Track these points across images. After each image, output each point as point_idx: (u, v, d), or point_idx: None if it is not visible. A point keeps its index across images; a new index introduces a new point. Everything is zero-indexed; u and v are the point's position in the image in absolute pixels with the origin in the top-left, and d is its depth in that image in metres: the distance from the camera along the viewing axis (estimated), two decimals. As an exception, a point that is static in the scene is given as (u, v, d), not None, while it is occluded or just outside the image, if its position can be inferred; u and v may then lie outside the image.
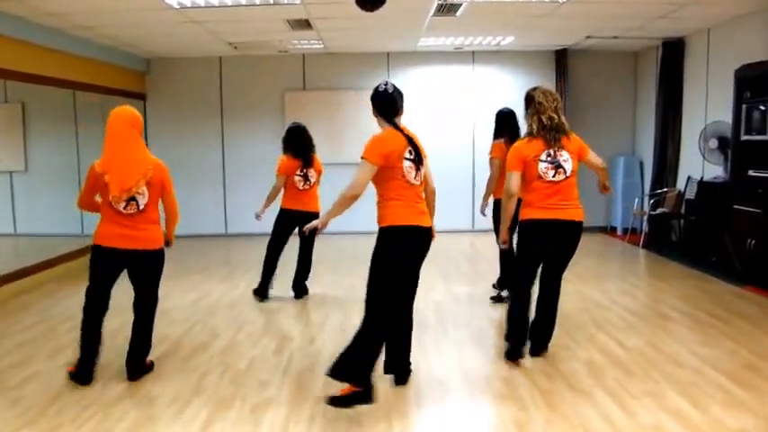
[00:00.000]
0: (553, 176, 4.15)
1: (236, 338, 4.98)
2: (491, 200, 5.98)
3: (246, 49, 9.47)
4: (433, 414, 3.68)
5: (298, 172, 6.02)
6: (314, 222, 4.03)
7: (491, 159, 5.87)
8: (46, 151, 7.72)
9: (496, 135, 5.90)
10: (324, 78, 10.18)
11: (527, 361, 4.37)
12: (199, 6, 6.52)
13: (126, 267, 4.01)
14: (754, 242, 6.36)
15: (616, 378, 4.02)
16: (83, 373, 3.97)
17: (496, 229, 5.88)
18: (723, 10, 7.03)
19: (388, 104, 3.88)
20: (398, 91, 3.92)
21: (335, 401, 3.51)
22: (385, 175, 3.68)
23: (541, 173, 4.15)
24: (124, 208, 3.88)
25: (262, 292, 6.17)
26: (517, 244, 4.41)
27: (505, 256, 5.86)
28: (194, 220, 10.15)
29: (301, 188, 6.05)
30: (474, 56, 10.22)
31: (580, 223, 4.22)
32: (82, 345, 3.97)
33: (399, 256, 3.69)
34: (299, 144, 6.08)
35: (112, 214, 3.90)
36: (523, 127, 4.66)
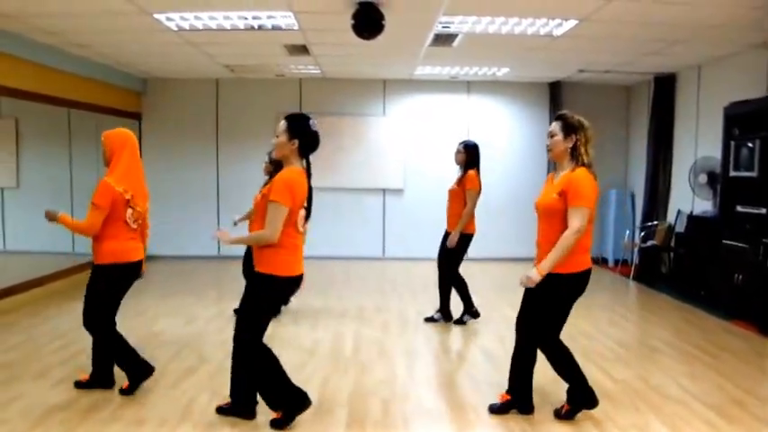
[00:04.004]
0: None
1: (225, 363, 4.90)
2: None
3: (243, 72, 9.55)
4: (421, 443, 3.67)
5: None
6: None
7: (470, 190, 5.99)
8: (38, 168, 7.70)
9: (474, 165, 6.09)
10: (320, 103, 10.25)
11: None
12: (197, 29, 6.59)
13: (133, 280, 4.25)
14: (741, 277, 6.41)
15: (603, 409, 4.02)
16: (145, 372, 4.22)
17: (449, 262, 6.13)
18: (713, 48, 7.16)
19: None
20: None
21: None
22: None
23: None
24: (133, 223, 4.10)
25: None
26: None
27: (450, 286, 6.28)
28: (186, 241, 10.15)
29: None
30: (469, 85, 10.33)
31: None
32: (126, 355, 4.19)
33: None
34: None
35: (126, 231, 4.09)
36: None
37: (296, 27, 6.50)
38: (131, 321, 6.23)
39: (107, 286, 4.11)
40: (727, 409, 4.07)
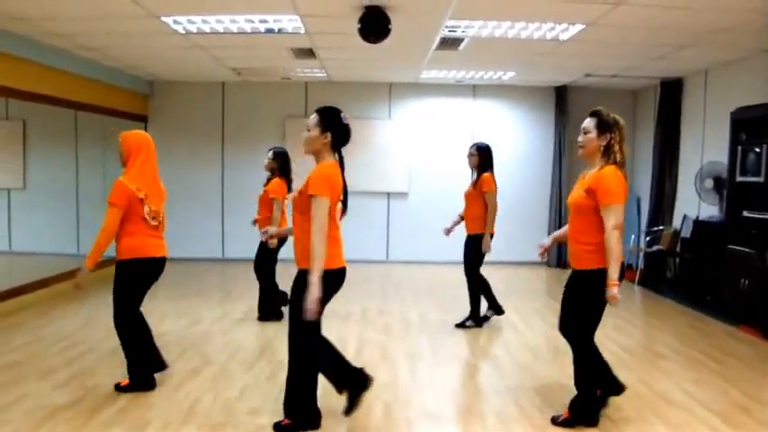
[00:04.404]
0: None
1: (228, 364, 4.96)
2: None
3: (250, 76, 9.58)
4: (425, 447, 3.67)
5: (287, 195, 6.20)
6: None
7: (488, 193, 5.97)
8: (45, 169, 7.74)
9: (488, 167, 6.11)
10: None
11: (522, 397, 4.38)
12: (204, 33, 6.61)
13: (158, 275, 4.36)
14: (747, 282, 6.39)
15: (608, 415, 4.01)
16: (150, 381, 4.35)
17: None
18: (720, 53, 7.15)
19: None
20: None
21: None
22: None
23: None
24: (152, 220, 4.19)
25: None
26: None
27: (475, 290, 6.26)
28: (191, 243, 10.17)
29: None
30: (475, 89, 10.34)
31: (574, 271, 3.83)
32: (143, 352, 4.31)
33: None
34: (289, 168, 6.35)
35: (146, 228, 4.18)
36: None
37: (302, 31, 6.52)
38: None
39: (129, 281, 4.21)
40: (732, 414, 4.05)
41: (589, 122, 3.73)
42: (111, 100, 8.78)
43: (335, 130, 3.56)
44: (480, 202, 6.06)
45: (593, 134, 3.70)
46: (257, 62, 8.51)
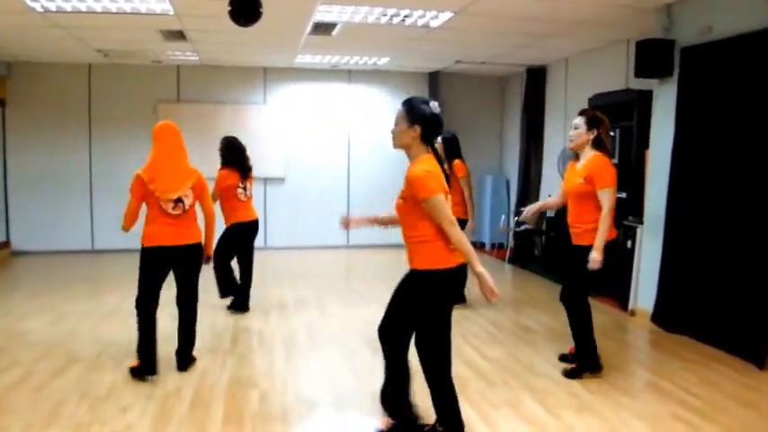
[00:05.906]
0: None
1: (97, 361, 4.74)
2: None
3: (117, 58, 9.11)
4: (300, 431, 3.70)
5: (239, 184, 6.14)
6: None
7: (463, 178, 6.28)
8: None
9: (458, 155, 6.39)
10: (198, 91, 9.98)
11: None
12: (64, 11, 6.22)
13: (174, 264, 4.45)
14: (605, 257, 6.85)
15: (478, 389, 4.22)
16: (146, 367, 4.36)
17: None
18: (580, 43, 7.60)
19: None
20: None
21: None
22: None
23: None
24: (172, 209, 4.31)
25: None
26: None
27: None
28: (58, 235, 9.62)
29: (243, 200, 6.21)
30: (350, 74, 10.39)
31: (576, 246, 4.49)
32: (141, 341, 4.38)
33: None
34: (239, 156, 6.24)
35: (162, 216, 4.31)
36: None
37: (171, 12, 6.29)
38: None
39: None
40: (590, 381, 4.38)
41: (579, 120, 4.43)
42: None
43: (424, 121, 3.27)
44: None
45: (583, 129, 4.39)
46: (125, 44, 8.12)
